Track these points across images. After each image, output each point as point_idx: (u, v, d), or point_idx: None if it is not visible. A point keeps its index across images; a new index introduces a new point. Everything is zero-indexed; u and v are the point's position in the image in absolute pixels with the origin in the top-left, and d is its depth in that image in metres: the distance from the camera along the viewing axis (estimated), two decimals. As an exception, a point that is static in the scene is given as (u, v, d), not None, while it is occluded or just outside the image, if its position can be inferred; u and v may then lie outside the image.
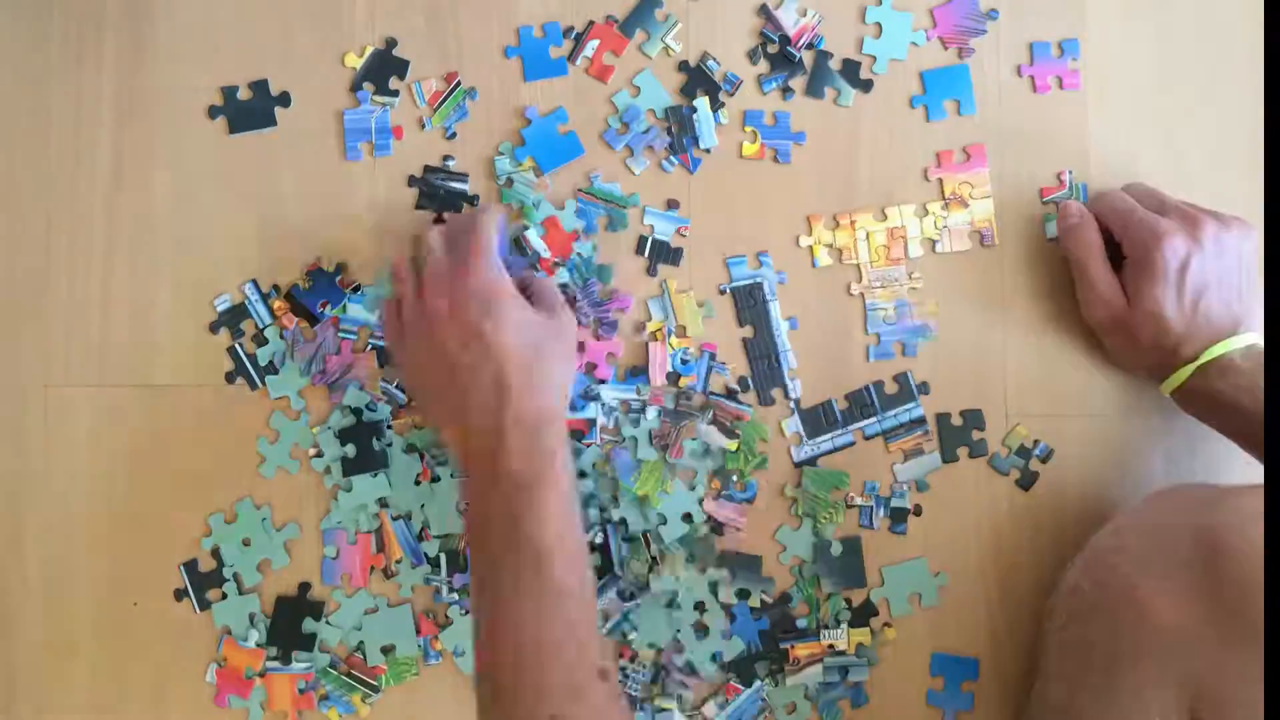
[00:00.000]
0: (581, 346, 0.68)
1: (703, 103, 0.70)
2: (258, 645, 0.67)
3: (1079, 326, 0.69)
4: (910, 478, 0.69)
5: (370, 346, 0.69)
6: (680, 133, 0.70)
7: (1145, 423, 0.70)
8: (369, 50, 0.70)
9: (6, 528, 0.68)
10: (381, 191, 0.70)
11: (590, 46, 0.70)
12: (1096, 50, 0.71)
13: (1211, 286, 0.62)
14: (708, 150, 0.70)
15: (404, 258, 0.64)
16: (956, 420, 0.69)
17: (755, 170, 0.70)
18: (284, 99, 0.70)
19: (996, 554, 0.69)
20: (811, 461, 0.69)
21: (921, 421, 0.69)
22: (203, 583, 0.68)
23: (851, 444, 0.69)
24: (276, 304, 0.69)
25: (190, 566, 0.68)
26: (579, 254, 0.69)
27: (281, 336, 0.68)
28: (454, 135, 0.70)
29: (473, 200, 0.69)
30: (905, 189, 0.70)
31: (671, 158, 0.70)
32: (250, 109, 0.70)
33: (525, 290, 0.62)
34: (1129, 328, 0.64)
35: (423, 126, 0.70)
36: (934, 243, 0.70)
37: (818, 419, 0.69)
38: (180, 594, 0.68)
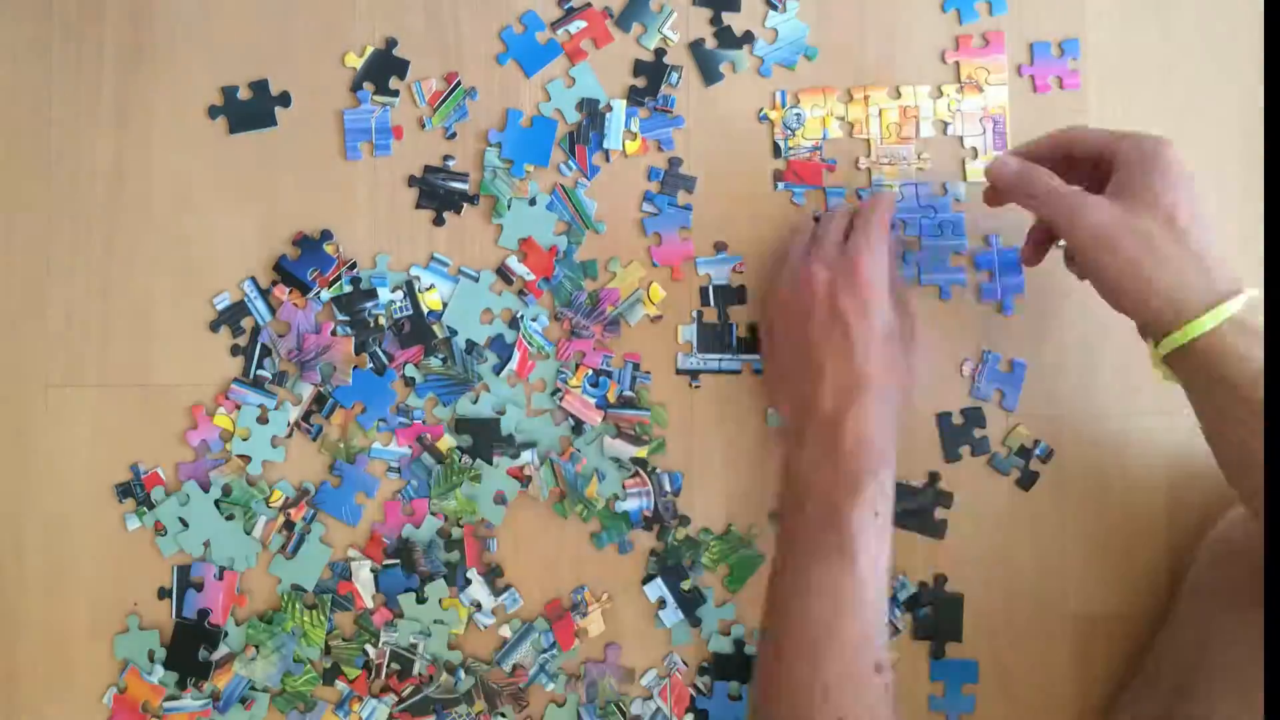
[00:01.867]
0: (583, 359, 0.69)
1: (619, 105, 0.69)
2: (160, 682, 0.67)
3: (1079, 326, 0.69)
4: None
5: (347, 332, 0.68)
6: (588, 129, 0.70)
7: (1145, 423, 0.69)
8: (369, 50, 0.70)
9: (6, 528, 0.68)
10: (382, 191, 0.70)
11: (576, 25, 0.70)
12: (1096, 50, 0.71)
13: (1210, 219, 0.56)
14: (607, 154, 0.70)
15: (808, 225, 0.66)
16: (958, 419, 0.69)
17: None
18: (284, 99, 0.70)
19: (996, 554, 0.69)
20: (694, 374, 0.69)
21: None
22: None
23: (738, 372, 0.69)
24: (276, 289, 0.69)
25: (182, 570, 0.68)
26: (565, 275, 0.69)
27: (256, 333, 0.68)
28: (454, 135, 0.70)
29: (473, 200, 0.69)
30: (921, 71, 0.71)
31: (570, 161, 0.70)
32: (250, 109, 0.70)
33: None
34: (1134, 239, 0.55)
35: (423, 126, 0.70)
36: (945, 125, 0.70)
37: (713, 337, 0.69)
38: (163, 592, 0.68)
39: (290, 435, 0.68)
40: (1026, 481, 0.69)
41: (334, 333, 0.68)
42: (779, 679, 0.57)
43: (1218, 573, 0.63)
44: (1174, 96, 0.71)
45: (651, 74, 0.70)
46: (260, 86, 0.70)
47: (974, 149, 0.70)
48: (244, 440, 0.68)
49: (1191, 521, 0.68)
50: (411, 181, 0.70)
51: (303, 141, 0.70)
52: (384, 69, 0.70)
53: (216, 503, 0.68)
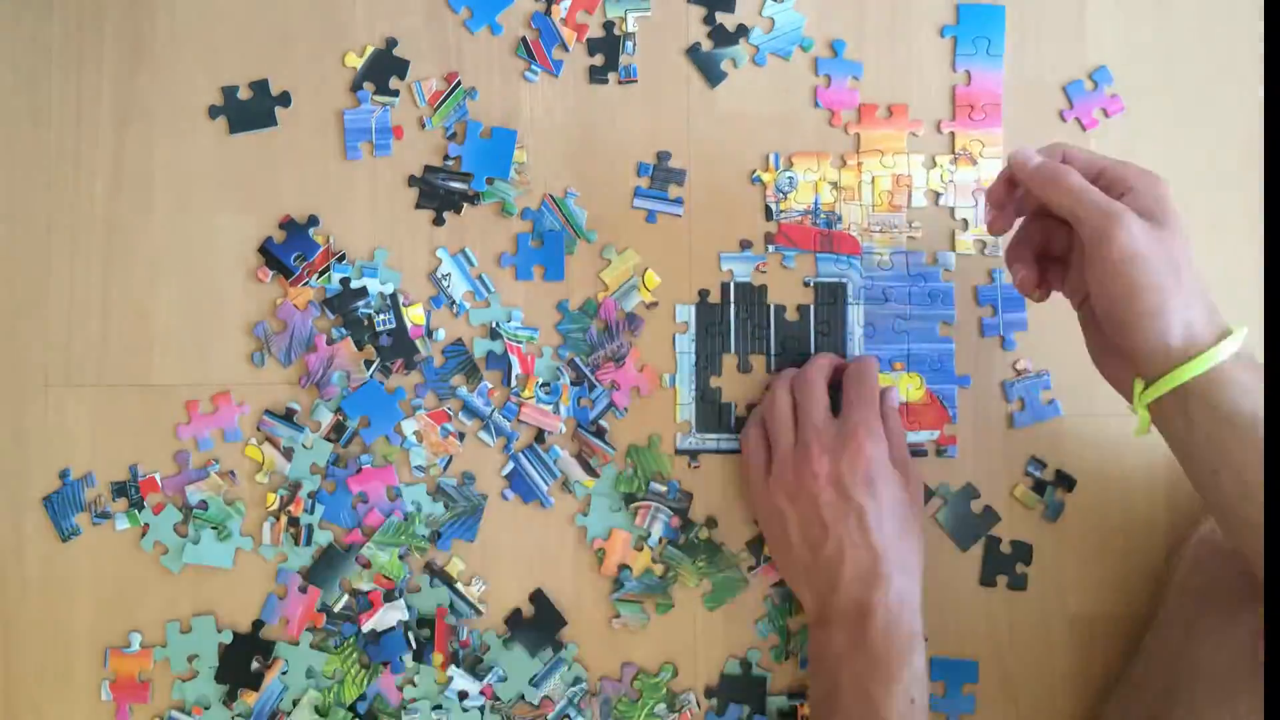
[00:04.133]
0: (615, 384, 0.69)
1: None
2: (143, 647, 0.67)
3: (1078, 326, 0.69)
4: None
5: (343, 335, 0.68)
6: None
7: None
8: (369, 50, 0.70)
9: (6, 528, 0.68)
10: (382, 190, 0.70)
11: (565, 3, 0.70)
12: (1096, 49, 0.71)
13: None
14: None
15: (784, 396, 0.64)
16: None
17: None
18: (284, 99, 0.70)
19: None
20: (693, 455, 0.69)
21: None
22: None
23: (738, 451, 0.69)
24: (259, 271, 0.69)
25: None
26: (570, 328, 0.69)
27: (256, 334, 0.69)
28: (453, 135, 0.70)
29: (473, 200, 0.69)
30: (916, 139, 0.70)
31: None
32: (250, 109, 0.70)
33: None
34: (1166, 262, 0.53)
35: (423, 126, 0.70)
36: (938, 195, 0.70)
37: (712, 415, 0.69)
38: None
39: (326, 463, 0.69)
40: (1053, 512, 0.69)
41: (329, 340, 0.68)
42: None
43: (1203, 574, 0.63)
44: (1174, 96, 0.71)
45: (607, 49, 0.70)
46: (260, 86, 0.70)
47: (965, 220, 0.70)
48: (272, 473, 0.68)
49: (1191, 521, 0.68)
50: (411, 181, 0.70)
51: (303, 141, 0.70)
52: (384, 69, 0.70)
53: (190, 518, 0.67)
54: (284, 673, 0.67)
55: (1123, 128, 0.71)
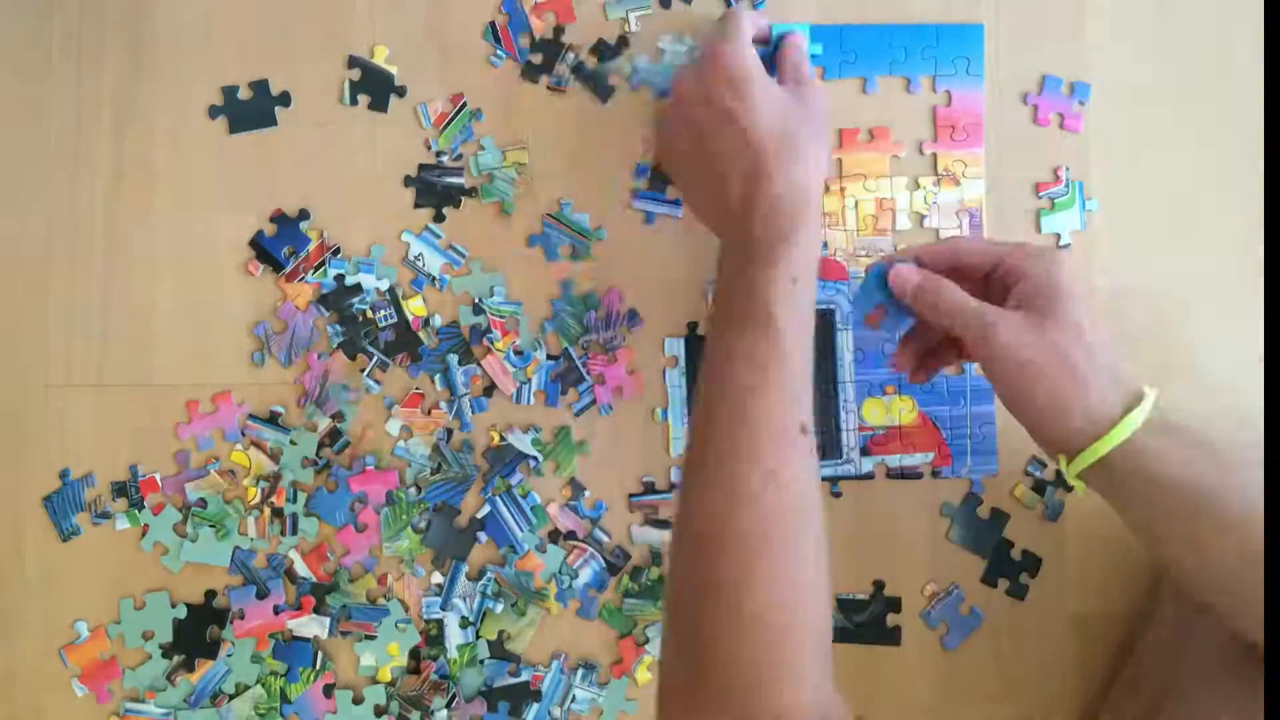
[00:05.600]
0: (601, 379, 0.69)
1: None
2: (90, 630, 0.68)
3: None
4: None
5: (337, 346, 0.68)
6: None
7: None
8: (357, 74, 0.70)
9: (6, 528, 0.68)
10: (382, 190, 0.70)
11: None
12: (1096, 49, 0.71)
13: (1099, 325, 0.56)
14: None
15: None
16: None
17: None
18: (284, 99, 0.70)
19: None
20: None
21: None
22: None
23: None
24: (249, 264, 0.69)
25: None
26: (565, 311, 0.69)
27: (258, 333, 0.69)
28: (459, 157, 0.70)
29: (470, 192, 0.69)
30: (898, 162, 0.70)
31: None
32: (250, 109, 0.70)
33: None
34: (1053, 359, 0.54)
35: (429, 148, 0.70)
36: (922, 217, 0.70)
37: None
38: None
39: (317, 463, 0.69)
40: (1053, 512, 0.69)
41: (321, 356, 0.68)
42: (709, 440, 0.56)
43: None
44: (1174, 97, 0.71)
45: (547, 52, 0.70)
46: (260, 86, 0.70)
47: None
48: (259, 476, 0.68)
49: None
50: (408, 181, 0.70)
51: (303, 141, 0.70)
52: (378, 87, 0.70)
53: (190, 516, 0.68)
54: (229, 654, 0.67)
55: (1123, 127, 0.71)
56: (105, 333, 0.69)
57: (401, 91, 0.70)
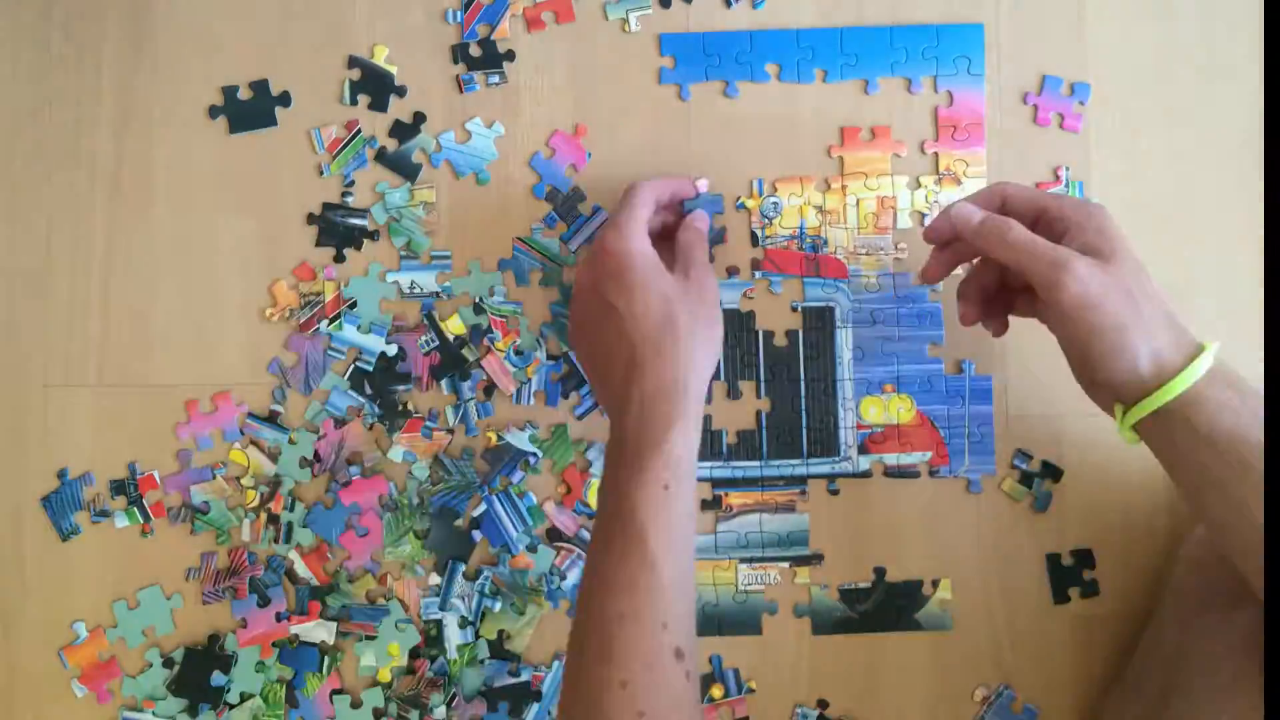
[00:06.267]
0: None
1: None
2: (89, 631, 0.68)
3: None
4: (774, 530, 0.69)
5: (371, 424, 0.68)
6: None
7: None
8: (356, 76, 0.70)
9: (6, 528, 0.68)
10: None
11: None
12: (1096, 49, 0.71)
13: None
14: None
15: None
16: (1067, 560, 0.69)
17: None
18: (284, 99, 0.70)
19: (997, 559, 0.69)
20: None
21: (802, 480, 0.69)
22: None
23: (730, 479, 0.69)
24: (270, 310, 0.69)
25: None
26: (562, 310, 0.69)
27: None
28: (352, 183, 0.69)
29: (373, 235, 0.69)
30: (900, 161, 0.70)
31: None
32: (250, 109, 0.70)
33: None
34: (1121, 300, 0.53)
35: (321, 173, 0.69)
36: (923, 216, 0.70)
37: (704, 443, 0.67)
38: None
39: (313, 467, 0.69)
40: (1024, 482, 0.69)
41: (338, 423, 0.68)
42: (579, 675, 0.54)
43: (1199, 575, 0.63)
44: (1174, 96, 0.71)
45: (478, 63, 0.70)
46: (260, 86, 0.70)
47: None
48: (258, 475, 0.68)
49: (1191, 521, 0.68)
50: (310, 219, 0.69)
51: (303, 141, 0.70)
52: (379, 87, 0.70)
53: (193, 519, 0.68)
54: (233, 664, 0.68)
55: (1123, 127, 0.71)
56: (105, 333, 0.69)
57: (402, 91, 0.70)
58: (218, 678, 0.67)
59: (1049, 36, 0.71)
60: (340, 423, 0.68)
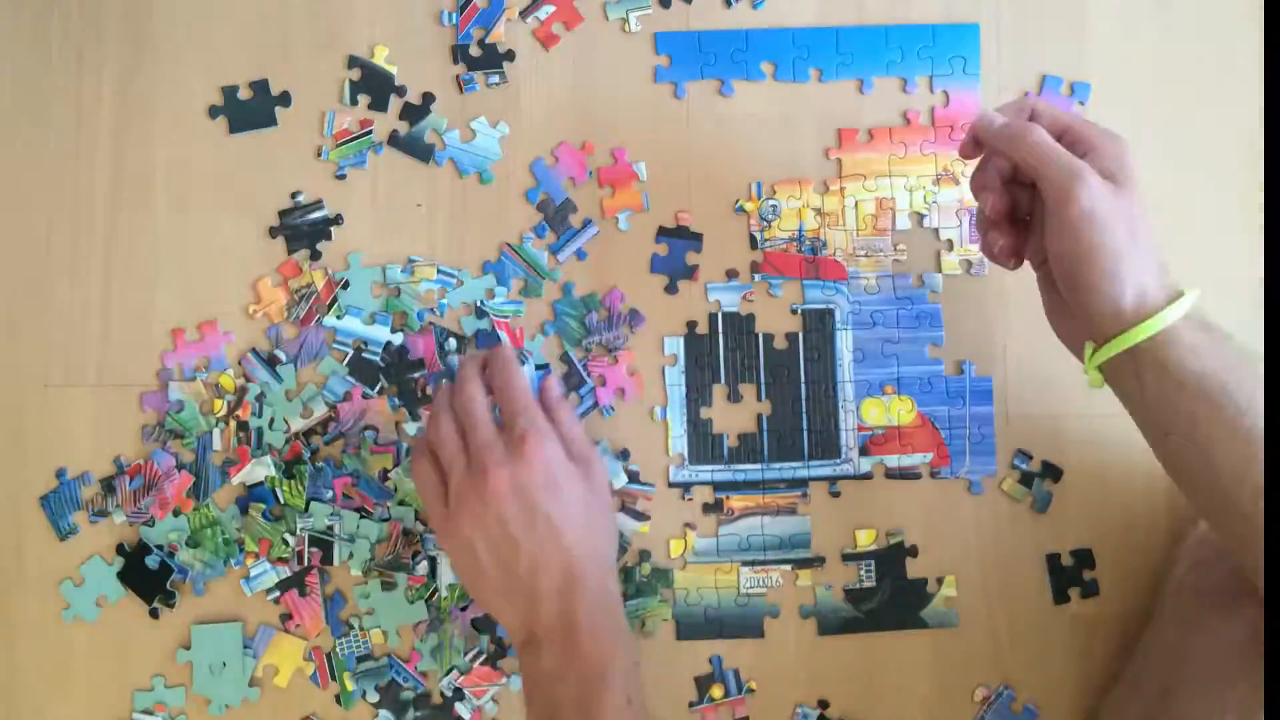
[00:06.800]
0: (603, 381, 0.69)
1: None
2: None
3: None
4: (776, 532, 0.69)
5: (380, 390, 0.68)
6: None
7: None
8: (356, 76, 0.70)
9: (6, 528, 0.68)
10: (382, 189, 0.70)
11: (545, 10, 0.70)
12: (1097, 49, 0.71)
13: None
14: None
15: (447, 421, 0.61)
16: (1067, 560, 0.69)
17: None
18: (284, 99, 0.70)
19: (997, 559, 0.69)
20: (686, 487, 0.68)
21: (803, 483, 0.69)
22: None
23: (731, 482, 0.69)
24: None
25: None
26: (566, 313, 0.69)
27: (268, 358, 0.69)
28: (344, 176, 0.69)
29: (338, 219, 0.69)
30: (899, 162, 0.70)
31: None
32: (250, 109, 0.70)
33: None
34: (1125, 222, 0.53)
35: (319, 155, 0.69)
36: (922, 217, 0.70)
37: (705, 446, 0.69)
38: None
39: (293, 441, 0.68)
40: (1025, 481, 0.69)
41: (365, 395, 0.68)
42: None
43: (1201, 573, 0.63)
44: (1174, 97, 0.71)
45: (478, 63, 0.70)
46: (260, 86, 0.70)
47: (950, 241, 0.70)
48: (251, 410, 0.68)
49: (1191, 522, 0.68)
50: (273, 232, 0.69)
51: (303, 141, 0.70)
52: (379, 87, 0.70)
53: (162, 423, 0.67)
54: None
55: (1123, 127, 0.70)
56: (105, 333, 0.69)
57: (402, 91, 0.70)
58: (151, 559, 0.67)
59: (1049, 36, 0.71)
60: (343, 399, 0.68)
